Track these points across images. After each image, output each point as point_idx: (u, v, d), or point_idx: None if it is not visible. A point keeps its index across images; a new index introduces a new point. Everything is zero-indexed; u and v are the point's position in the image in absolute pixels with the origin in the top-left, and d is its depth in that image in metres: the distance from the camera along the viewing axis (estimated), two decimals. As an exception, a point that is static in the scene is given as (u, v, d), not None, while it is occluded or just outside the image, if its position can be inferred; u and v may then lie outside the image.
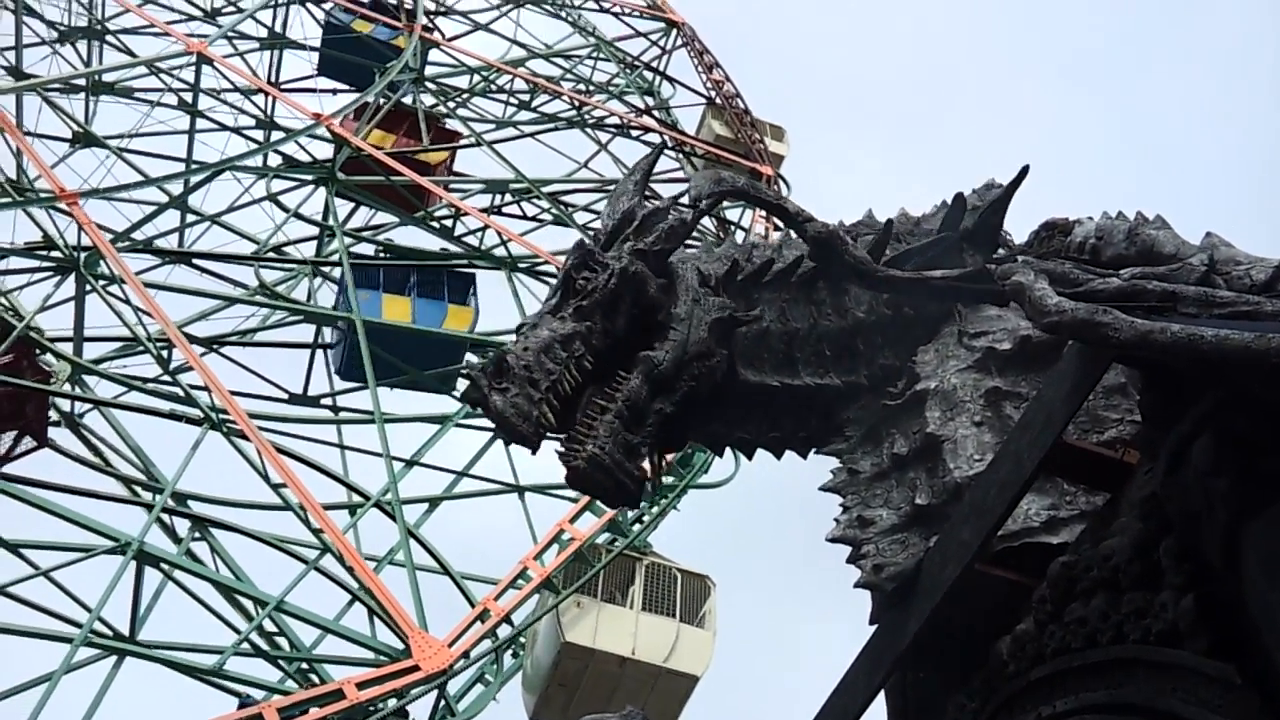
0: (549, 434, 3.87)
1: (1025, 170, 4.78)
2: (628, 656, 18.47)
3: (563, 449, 3.87)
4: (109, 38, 28.71)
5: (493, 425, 3.86)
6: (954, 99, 64.74)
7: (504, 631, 16.78)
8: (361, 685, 15.11)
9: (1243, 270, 3.35)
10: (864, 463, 4.19)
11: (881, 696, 3.97)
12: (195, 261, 23.53)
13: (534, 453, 3.90)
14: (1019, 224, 4.87)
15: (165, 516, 19.15)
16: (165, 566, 17.13)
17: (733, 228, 28.33)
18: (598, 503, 19.45)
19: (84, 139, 25.46)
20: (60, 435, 21.87)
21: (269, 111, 27.19)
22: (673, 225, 4.36)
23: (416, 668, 15.48)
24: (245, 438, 18.40)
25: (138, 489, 20.28)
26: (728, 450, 4.63)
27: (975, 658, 3.57)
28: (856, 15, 64.95)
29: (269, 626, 18.43)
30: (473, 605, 17.11)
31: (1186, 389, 2.99)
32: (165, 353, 20.89)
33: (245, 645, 17.06)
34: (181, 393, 19.67)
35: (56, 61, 28.35)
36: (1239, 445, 2.85)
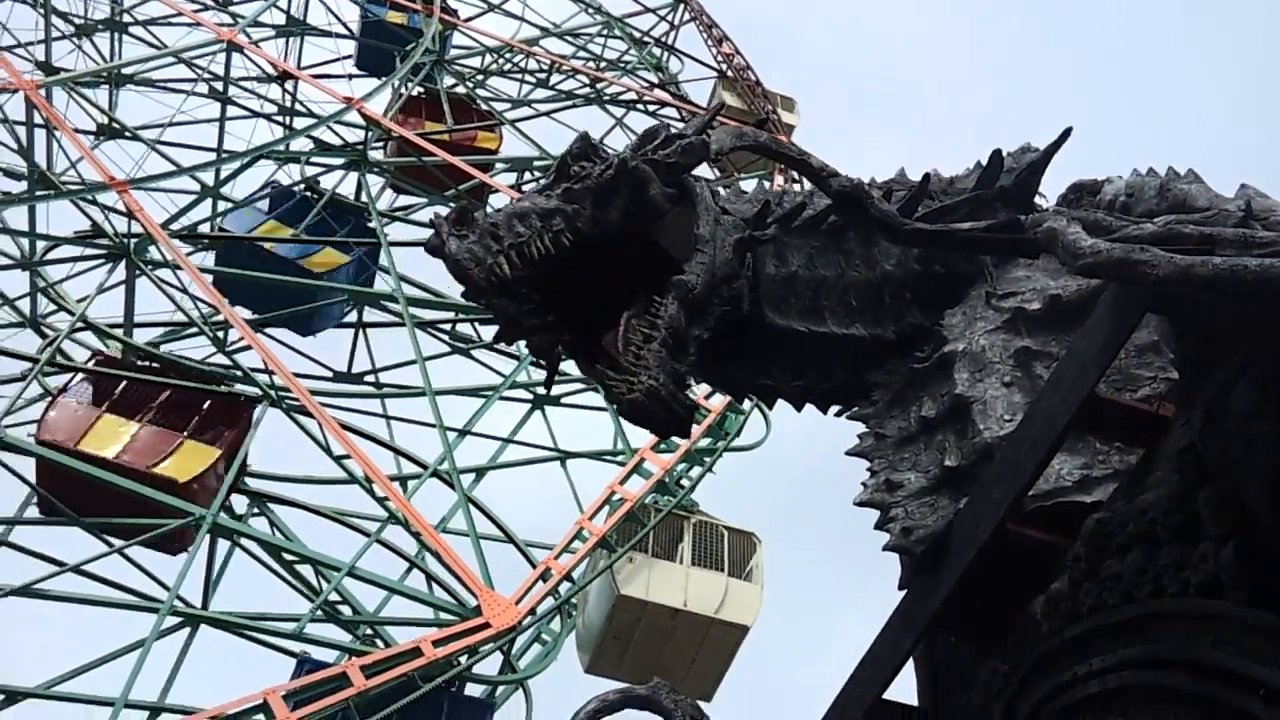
0: (506, 294, 3.76)
1: (1068, 132, 4.68)
2: (680, 608, 19.25)
3: (614, 380, 3.78)
4: (131, 28, 29.52)
5: (450, 273, 3.75)
6: (974, 94, 64.36)
7: (563, 589, 17.87)
8: (437, 644, 15.94)
9: None
10: (891, 426, 4.16)
11: (910, 664, 3.94)
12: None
13: (482, 303, 3.80)
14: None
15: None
16: (238, 539, 18.20)
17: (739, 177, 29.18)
18: (645, 464, 20.59)
19: (109, 130, 26.02)
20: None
21: (293, 97, 27.98)
22: (691, 143, 4.22)
23: (487, 625, 16.27)
24: (305, 414, 19.42)
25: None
26: (752, 410, 4.90)
27: (1008, 620, 3.54)
28: (874, 9, 65.19)
29: (332, 595, 19.48)
30: (533, 566, 17.97)
31: (1223, 336, 2.94)
32: (221, 334, 21.90)
33: (317, 612, 18.16)
34: (239, 372, 20.73)
35: (81, 55, 29.08)
36: None
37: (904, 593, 3.89)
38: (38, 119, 23.06)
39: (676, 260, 3.99)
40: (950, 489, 3.85)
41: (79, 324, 20.61)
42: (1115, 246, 2.96)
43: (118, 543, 18.29)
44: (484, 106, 28.49)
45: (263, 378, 19.87)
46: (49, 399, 19.08)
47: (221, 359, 21.37)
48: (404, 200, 26.83)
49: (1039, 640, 3.41)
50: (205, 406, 18.97)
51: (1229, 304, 2.80)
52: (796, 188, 24.11)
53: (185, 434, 18.49)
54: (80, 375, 19.23)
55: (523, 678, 17.61)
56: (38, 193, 22.62)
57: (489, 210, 3.89)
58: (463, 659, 16.19)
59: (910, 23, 65.93)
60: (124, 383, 18.85)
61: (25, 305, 23.65)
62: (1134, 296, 3.12)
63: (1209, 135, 54.98)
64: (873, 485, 4.03)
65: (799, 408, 4.54)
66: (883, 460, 4.08)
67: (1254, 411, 2.87)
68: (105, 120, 26.75)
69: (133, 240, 21.67)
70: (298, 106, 27.31)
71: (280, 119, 26.82)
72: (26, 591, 16.70)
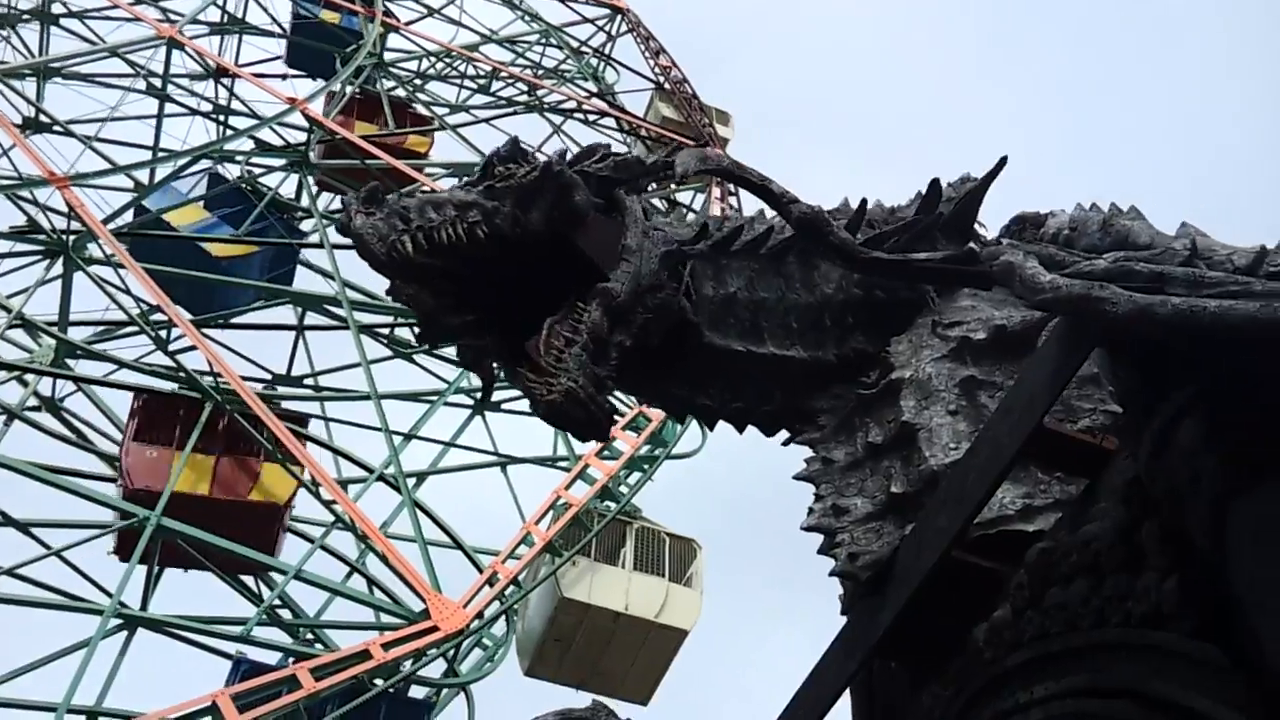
0: (412, 279, 3.82)
1: (1003, 161, 4.77)
2: (622, 612, 19.66)
3: (533, 383, 3.80)
4: (61, 20, 29.08)
5: (355, 249, 3.78)
6: (918, 112, 65.59)
7: (509, 594, 18.23)
8: (386, 646, 16.05)
9: (1223, 255, 3.32)
10: (838, 452, 4.16)
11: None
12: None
13: (382, 272, 3.82)
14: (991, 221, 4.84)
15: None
16: (181, 542, 18.27)
17: (683, 210, 29.82)
18: (590, 470, 21.05)
19: (35, 124, 25.44)
20: (40, 419, 22.72)
21: (230, 97, 27.84)
22: (625, 159, 4.34)
23: (436, 628, 16.50)
24: (249, 416, 19.51)
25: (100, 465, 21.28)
26: (690, 420, 4.70)
27: (949, 647, 3.56)
28: (818, 24, 65.89)
29: (268, 596, 19.67)
30: (480, 570, 18.24)
31: (1170, 372, 2.98)
32: (163, 333, 21.60)
33: (236, 613, 18.40)
34: (182, 374, 20.68)
35: (8, 46, 28.58)
36: (1227, 426, 2.86)
37: (846, 618, 3.89)
38: None
39: (602, 269, 4.04)
40: (896, 515, 3.87)
41: (15, 321, 20.54)
42: (1074, 283, 2.99)
43: (54, 545, 18.32)
44: (422, 110, 28.77)
45: (206, 379, 20.04)
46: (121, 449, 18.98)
47: (163, 359, 21.48)
48: (340, 202, 27.04)
49: (981, 667, 3.44)
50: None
51: (1181, 342, 2.85)
52: (734, 210, 24.78)
53: (262, 458, 18.96)
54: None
55: (467, 681, 17.92)
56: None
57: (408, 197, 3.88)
58: (407, 663, 16.53)
59: (848, 41, 67.17)
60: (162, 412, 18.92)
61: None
62: (1084, 330, 3.16)
63: (1146, 169, 56.68)
64: (819, 510, 4.03)
65: (740, 429, 4.58)
66: (829, 485, 4.08)
67: (1199, 446, 2.93)
68: (32, 113, 26.47)
69: (71, 237, 21.73)
70: (236, 105, 27.34)
71: (218, 118, 26.76)
72: None
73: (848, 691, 3.93)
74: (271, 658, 17.79)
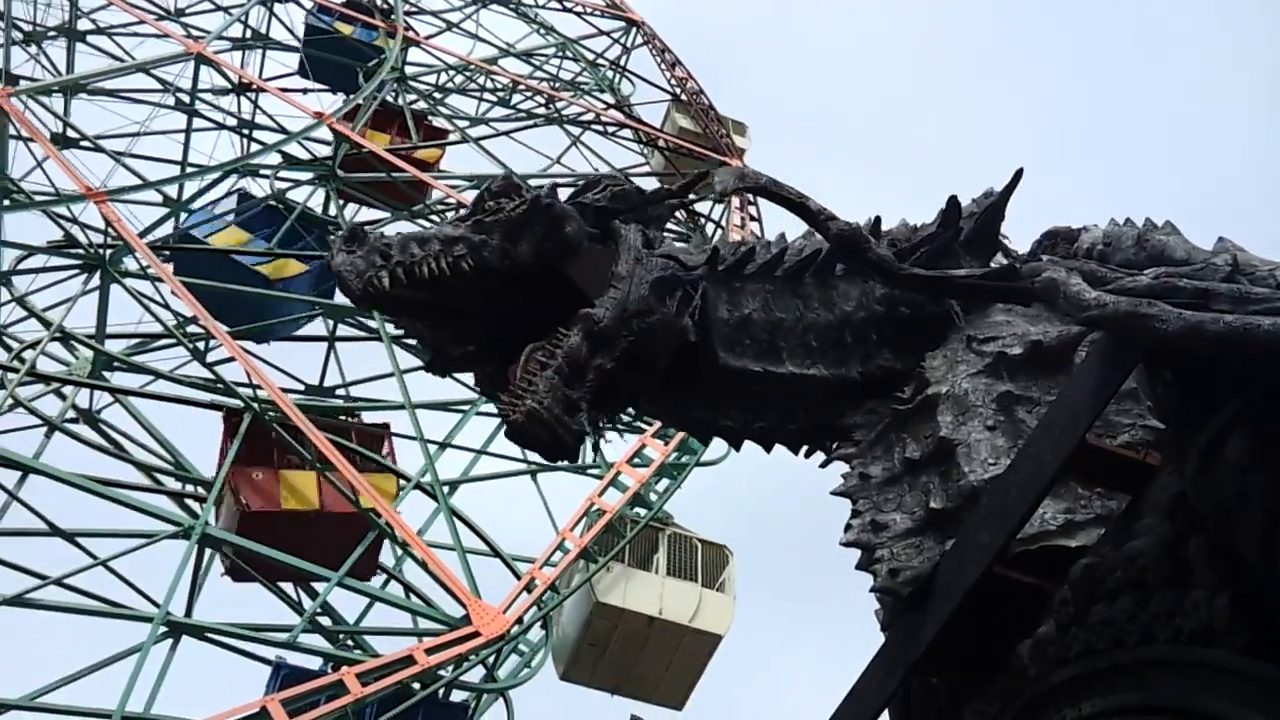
0: (384, 307, 3.99)
1: (1019, 174, 4.77)
2: (656, 616, 19.96)
3: (503, 403, 3.90)
4: (87, 36, 29.60)
5: (338, 284, 3.95)
6: (924, 123, 65.25)
7: (546, 599, 18.68)
8: (429, 651, 16.30)
9: (1265, 271, 3.32)
10: (875, 467, 4.17)
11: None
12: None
13: (363, 308, 4.15)
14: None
15: (195, 504, 20.74)
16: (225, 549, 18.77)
17: (703, 219, 30.26)
18: (621, 478, 21.46)
19: (63, 140, 25.62)
20: (78, 430, 23.20)
21: (257, 109, 28.40)
22: (624, 189, 4.46)
23: (477, 634, 16.74)
24: (287, 427, 20.03)
25: (159, 477, 21.81)
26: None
27: (992, 663, 3.55)
28: (827, 35, 65.85)
29: (308, 603, 20.15)
30: (517, 577, 18.39)
31: (1218, 386, 2.97)
32: (201, 345, 22.17)
33: (268, 619, 18.91)
34: (220, 384, 20.97)
35: (36, 63, 29.03)
36: (1277, 440, 2.86)
37: (886, 635, 3.90)
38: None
39: (589, 297, 4.10)
40: (935, 530, 3.88)
41: (56, 334, 21.06)
42: (1121, 300, 2.99)
43: (101, 555, 18.81)
44: (437, 123, 29.23)
45: (244, 390, 20.53)
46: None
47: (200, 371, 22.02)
48: (366, 214, 27.55)
49: (1026, 684, 3.43)
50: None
51: (1233, 359, 2.83)
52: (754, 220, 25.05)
53: (361, 472, 19.40)
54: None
55: (506, 686, 18.36)
56: (8, 201, 22.99)
57: (394, 234, 3.99)
58: (448, 669, 16.97)
59: (858, 54, 67.23)
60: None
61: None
62: (1128, 347, 3.15)
63: (1144, 176, 56.87)
64: (858, 526, 4.04)
65: (767, 448, 4.63)
66: (867, 500, 4.09)
67: (1249, 463, 2.92)
68: (59, 128, 26.91)
69: (107, 251, 22.24)
70: (263, 120, 27.84)
71: (245, 132, 27.15)
72: (19, 601, 17.25)
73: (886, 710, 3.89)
74: (310, 662, 18.25)
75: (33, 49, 28.79)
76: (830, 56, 66.04)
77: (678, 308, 4.27)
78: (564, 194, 4.37)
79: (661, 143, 30.96)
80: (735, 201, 29.30)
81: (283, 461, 19.30)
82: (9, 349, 22.73)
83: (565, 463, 4.88)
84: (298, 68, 30.05)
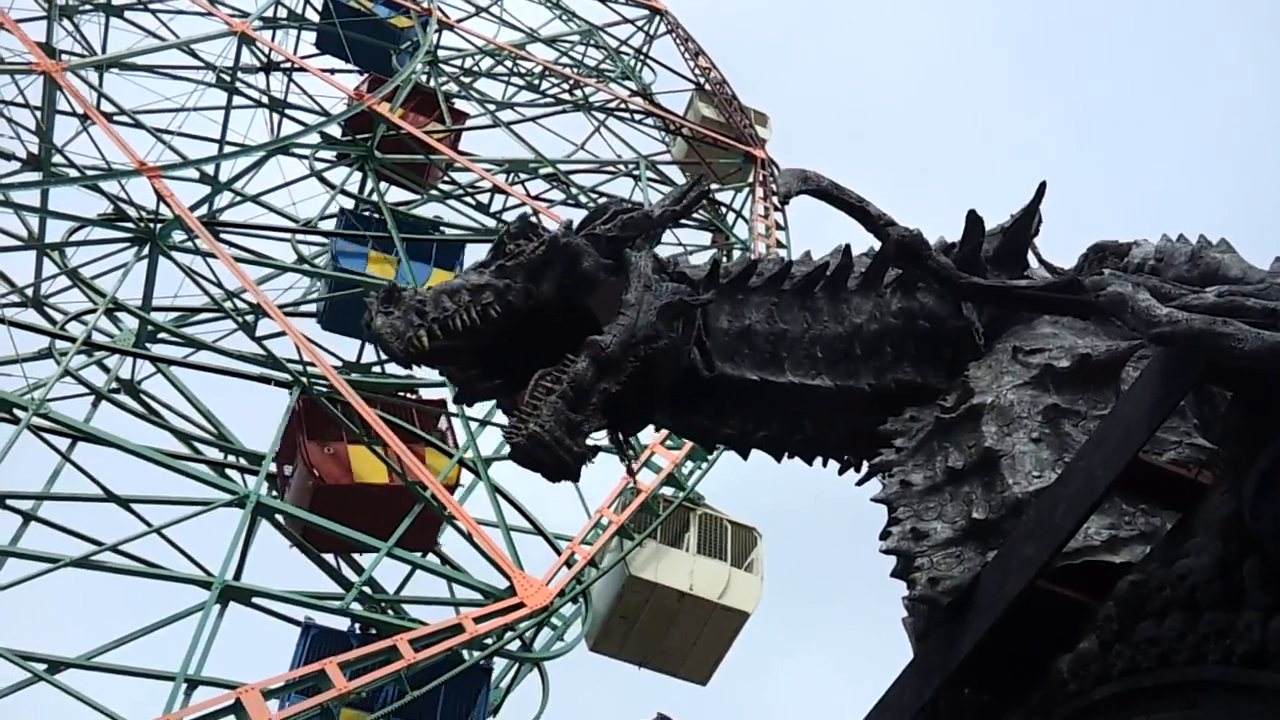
0: (440, 361, 4.21)
1: (1043, 186, 4.77)
2: (686, 592, 20.27)
3: (508, 426, 4.10)
4: (125, 12, 29.80)
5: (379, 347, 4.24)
6: (954, 131, 63.88)
7: (585, 574, 19.31)
8: (478, 620, 16.80)
9: None
10: (916, 475, 4.15)
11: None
12: (224, 236, 25.20)
13: (405, 367, 4.29)
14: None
15: (236, 475, 21.28)
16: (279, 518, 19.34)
17: (723, 208, 30.75)
18: (655, 458, 22.05)
19: (72, 110, 25.20)
20: (123, 400, 23.59)
21: (286, 90, 28.68)
22: (633, 216, 4.61)
23: (522, 604, 17.27)
24: (334, 400, 20.67)
25: (198, 446, 22.32)
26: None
27: (1029, 677, 3.53)
28: (857, 41, 63.69)
29: (348, 571, 20.72)
30: (558, 552, 18.91)
31: (1277, 407, 2.93)
32: (251, 319, 22.45)
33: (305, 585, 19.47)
34: (269, 357, 21.10)
35: (72, 37, 29.16)
36: None
37: (921, 643, 3.90)
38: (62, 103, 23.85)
39: (603, 325, 4.27)
40: (977, 541, 3.87)
41: (109, 305, 21.54)
42: (1194, 317, 2.96)
43: (155, 522, 19.33)
44: (462, 106, 29.56)
45: (294, 365, 20.95)
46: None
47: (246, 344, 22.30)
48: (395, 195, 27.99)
49: (1065, 699, 3.40)
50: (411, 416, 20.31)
51: None
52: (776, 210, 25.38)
53: (425, 444, 19.98)
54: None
55: (546, 657, 18.95)
56: (73, 175, 23.04)
57: (425, 289, 4.29)
58: (488, 640, 17.57)
59: (896, 60, 66.92)
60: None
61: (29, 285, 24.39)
62: (1188, 364, 3.11)
63: (1183, 191, 55.39)
64: (898, 533, 4.02)
65: (777, 458, 4.74)
66: (908, 508, 4.08)
67: None
68: (95, 102, 27.11)
69: (157, 225, 22.52)
70: (295, 99, 28.20)
71: (281, 111, 27.19)
72: (85, 563, 17.81)
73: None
74: (338, 623, 18.72)
75: (67, 24, 28.84)
76: (868, 62, 65.12)
77: (684, 331, 4.44)
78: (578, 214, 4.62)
79: (686, 131, 31.38)
80: (760, 191, 29.80)
81: (340, 435, 19.77)
82: (51, 320, 23.15)
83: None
84: (316, 41, 29.72)
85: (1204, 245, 4.15)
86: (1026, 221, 4.88)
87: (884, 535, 4.11)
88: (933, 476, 4.14)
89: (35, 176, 24.05)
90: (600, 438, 4.47)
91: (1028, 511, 3.71)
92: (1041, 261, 4.96)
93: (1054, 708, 3.44)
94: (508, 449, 4.18)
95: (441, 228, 26.00)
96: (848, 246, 4.86)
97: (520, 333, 4.28)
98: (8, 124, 25.24)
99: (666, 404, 4.54)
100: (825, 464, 4.82)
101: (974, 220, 4.78)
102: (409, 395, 21.56)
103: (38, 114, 24.21)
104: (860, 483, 4.63)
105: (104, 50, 28.69)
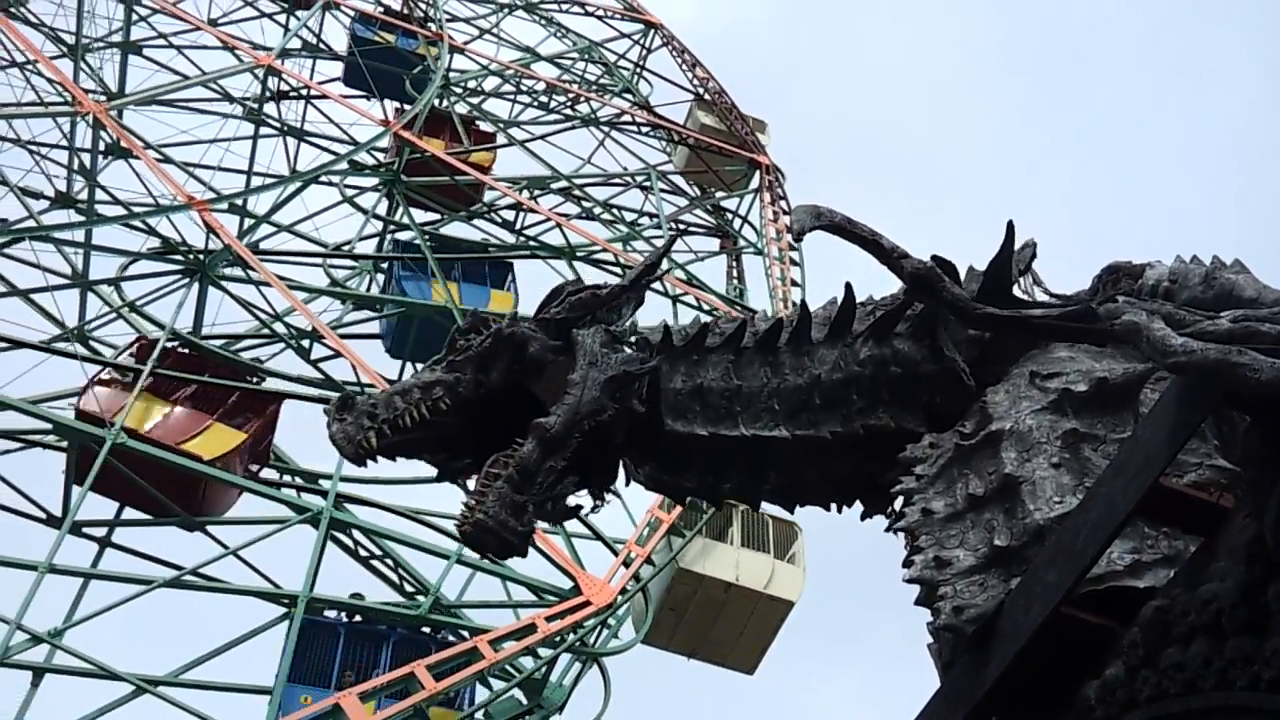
0: (382, 455, 4.45)
1: (1011, 226, 4.67)
2: (733, 583, 20.89)
3: (459, 514, 4.33)
4: (143, 49, 30.27)
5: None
6: (964, 152, 64.21)
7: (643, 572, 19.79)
8: (549, 619, 17.55)
9: None
10: (937, 502, 4.12)
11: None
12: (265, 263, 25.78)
13: (360, 465, 4.51)
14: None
15: (293, 494, 22.02)
16: (354, 531, 20.02)
17: (732, 215, 30.52)
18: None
19: (117, 150, 26.05)
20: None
21: (302, 118, 29.40)
22: (581, 297, 4.87)
23: (588, 603, 18.02)
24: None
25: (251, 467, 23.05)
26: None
27: (1056, 704, 3.51)
28: (867, 62, 63.63)
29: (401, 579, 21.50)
30: (615, 552, 19.49)
31: None
32: (305, 343, 23.24)
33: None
34: (325, 378, 21.93)
35: (89, 75, 29.55)
36: None
37: (949, 671, 3.88)
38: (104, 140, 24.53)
39: (549, 406, 4.49)
40: (1000, 568, 3.84)
41: (170, 336, 21.63)
42: (1209, 347, 2.93)
43: (231, 544, 20.03)
44: (485, 127, 30.44)
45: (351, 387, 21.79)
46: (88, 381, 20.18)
47: (307, 369, 22.76)
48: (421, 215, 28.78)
49: None
50: (233, 398, 20.48)
51: None
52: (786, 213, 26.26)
53: (215, 417, 19.98)
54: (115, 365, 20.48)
55: (607, 652, 19.27)
56: (121, 212, 23.72)
57: (377, 391, 4.66)
58: (541, 653, 17.91)
59: (906, 80, 66.67)
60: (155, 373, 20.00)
61: (71, 320, 24.92)
62: (1206, 391, 3.08)
63: (1195, 203, 55.23)
64: (921, 562, 4.00)
65: (754, 506, 4.96)
66: (930, 536, 4.06)
67: None
68: (114, 139, 27.51)
69: (206, 257, 23.05)
70: (314, 128, 28.80)
71: (313, 140, 27.96)
72: (176, 584, 18.19)
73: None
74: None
75: (84, 64, 29.04)
76: (878, 82, 65.15)
77: (633, 398, 4.61)
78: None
79: (692, 141, 31.22)
80: (767, 197, 30.76)
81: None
82: (94, 350, 23.69)
83: None
84: (343, 75, 30.32)
85: (1218, 266, 4.09)
86: (1005, 260, 4.73)
87: (906, 564, 4.09)
88: (954, 504, 4.10)
89: (65, 215, 24.52)
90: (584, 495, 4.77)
91: (1050, 538, 3.68)
92: (1046, 291, 4.93)
93: None
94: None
95: (489, 248, 26.67)
96: (848, 287, 4.93)
97: (490, 415, 4.54)
98: (35, 163, 25.79)
99: (633, 462, 4.77)
100: (832, 508, 4.88)
101: (940, 264, 4.67)
102: (251, 379, 21.77)
103: (82, 155, 24.97)
104: (887, 530, 4.57)
105: (122, 87, 29.07)
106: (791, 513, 4.97)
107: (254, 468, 20.97)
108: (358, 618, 18.77)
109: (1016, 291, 4.82)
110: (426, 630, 18.84)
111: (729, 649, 22.20)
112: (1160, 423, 3.30)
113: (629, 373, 4.66)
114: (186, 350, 21.81)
